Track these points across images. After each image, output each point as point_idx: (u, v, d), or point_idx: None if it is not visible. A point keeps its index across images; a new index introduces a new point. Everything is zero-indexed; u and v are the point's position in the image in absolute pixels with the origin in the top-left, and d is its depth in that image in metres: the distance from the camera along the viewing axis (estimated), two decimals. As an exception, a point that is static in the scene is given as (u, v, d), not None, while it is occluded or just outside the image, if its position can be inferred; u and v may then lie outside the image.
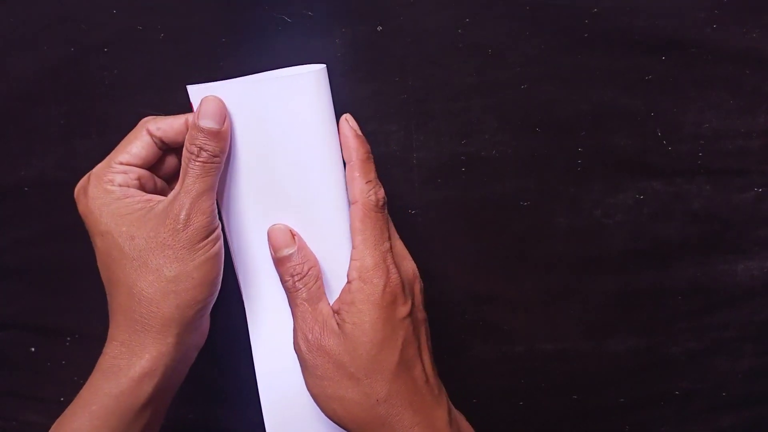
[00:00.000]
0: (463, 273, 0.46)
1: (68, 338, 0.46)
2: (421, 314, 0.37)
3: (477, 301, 0.46)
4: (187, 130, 0.35)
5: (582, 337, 0.47)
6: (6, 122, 0.43)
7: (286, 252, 0.36)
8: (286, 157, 0.36)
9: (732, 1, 0.41)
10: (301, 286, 0.36)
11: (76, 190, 0.36)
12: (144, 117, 0.37)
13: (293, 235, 0.37)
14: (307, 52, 0.41)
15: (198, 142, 0.34)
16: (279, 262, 0.37)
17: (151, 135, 0.36)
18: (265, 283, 0.38)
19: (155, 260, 0.33)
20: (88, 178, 0.35)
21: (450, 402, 0.38)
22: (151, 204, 0.34)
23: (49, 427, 0.34)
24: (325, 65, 0.35)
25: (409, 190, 0.44)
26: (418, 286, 0.37)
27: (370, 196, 0.35)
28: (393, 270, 0.35)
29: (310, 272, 0.36)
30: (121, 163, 0.35)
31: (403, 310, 0.35)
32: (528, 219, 0.45)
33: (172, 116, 0.36)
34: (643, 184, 0.44)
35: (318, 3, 0.41)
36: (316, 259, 0.37)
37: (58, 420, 0.34)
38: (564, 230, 0.45)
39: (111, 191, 0.34)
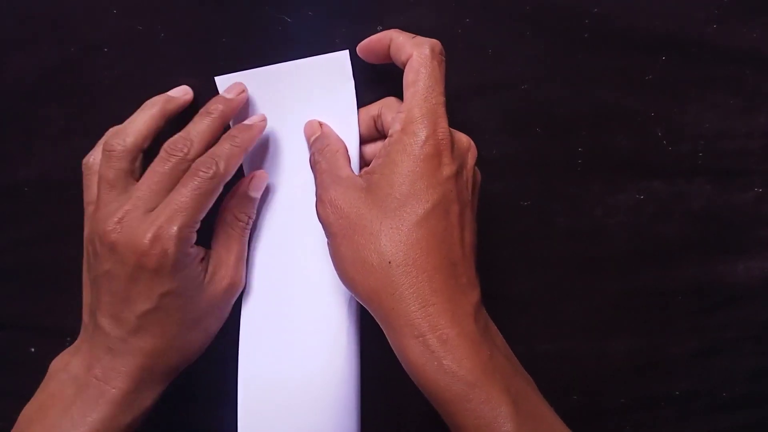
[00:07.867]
0: (463, 273, 0.46)
1: (68, 338, 0.46)
2: (478, 176, 0.35)
3: (477, 301, 0.46)
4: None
5: (582, 337, 0.47)
6: (6, 122, 0.43)
7: (312, 138, 0.38)
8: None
9: (732, 1, 0.41)
10: (320, 159, 0.36)
11: (151, 240, 0.33)
12: None
13: (320, 124, 0.38)
14: (307, 52, 0.41)
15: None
16: (310, 148, 0.38)
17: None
18: (268, 284, 0.39)
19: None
20: (178, 237, 0.33)
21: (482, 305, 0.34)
22: (203, 275, 0.36)
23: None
24: (347, 50, 0.37)
25: (409, 190, 0.44)
26: (471, 155, 0.35)
27: (424, 46, 0.33)
28: (443, 123, 0.32)
29: (328, 148, 0.37)
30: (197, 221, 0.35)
31: (447, 169, 0.32)
32: (528, 219, 0.44)
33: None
34: (643, 184, 0.44)
35: (318, 3, 0.41)
36: (339, 140, 0.37)
37: None
38: (564, 230, 0.45)
39: (189, 254, 0.35)
